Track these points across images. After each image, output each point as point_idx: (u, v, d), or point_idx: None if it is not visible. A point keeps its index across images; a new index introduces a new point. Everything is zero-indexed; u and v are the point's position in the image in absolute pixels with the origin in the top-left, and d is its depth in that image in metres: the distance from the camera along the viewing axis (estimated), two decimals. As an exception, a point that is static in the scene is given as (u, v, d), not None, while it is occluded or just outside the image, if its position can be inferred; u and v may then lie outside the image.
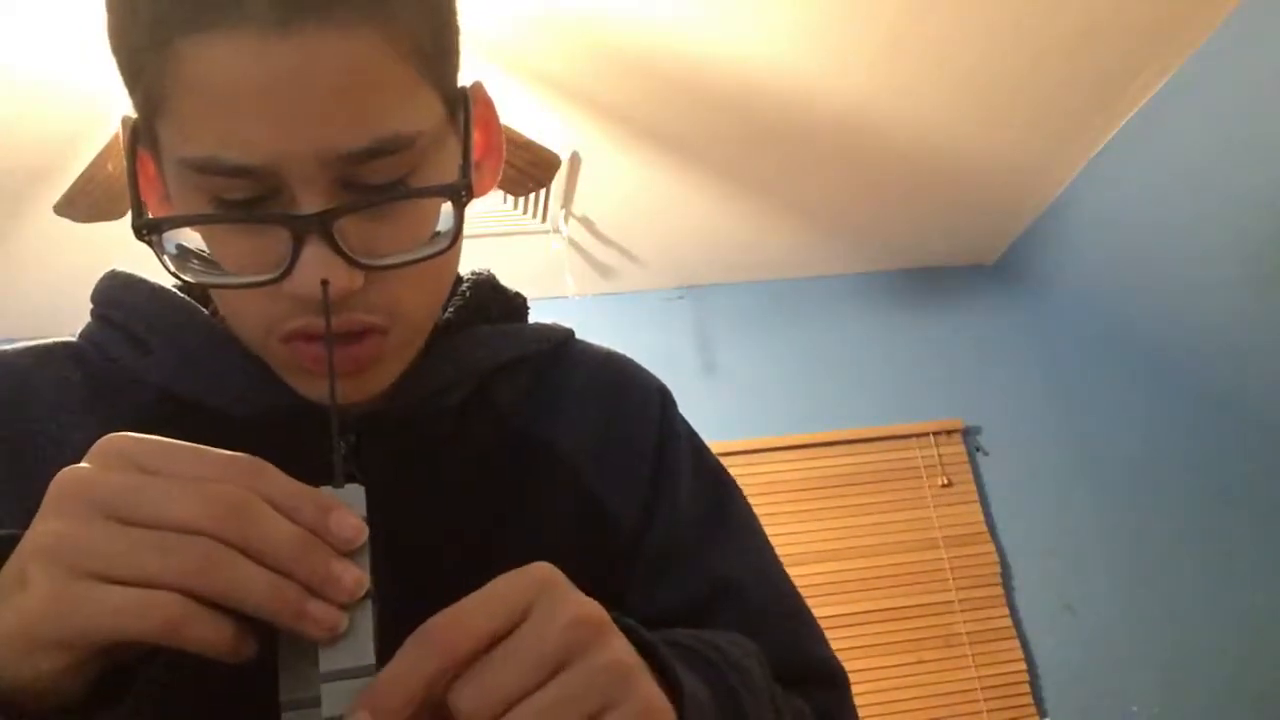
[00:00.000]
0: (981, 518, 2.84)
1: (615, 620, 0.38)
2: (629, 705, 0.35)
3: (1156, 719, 2.65)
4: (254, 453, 0.36)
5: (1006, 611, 2.75)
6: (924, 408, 2.96)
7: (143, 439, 0.36)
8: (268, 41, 0.39)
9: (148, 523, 0.33)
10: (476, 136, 0.50)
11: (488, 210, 2.53)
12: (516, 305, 0.63)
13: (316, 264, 0.42)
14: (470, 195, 0.45)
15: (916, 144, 2.47)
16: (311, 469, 0.38)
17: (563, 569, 0.38)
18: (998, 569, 2.79)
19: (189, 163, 0.42)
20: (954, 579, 2.75)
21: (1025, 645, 2.72)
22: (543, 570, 0.37)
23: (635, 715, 0.35)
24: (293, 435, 0.49)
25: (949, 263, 3.18)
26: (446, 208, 0.46)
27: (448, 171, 0.46)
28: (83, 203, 1.77)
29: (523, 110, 2.12)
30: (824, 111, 2.29)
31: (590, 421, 0.60)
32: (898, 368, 3.03)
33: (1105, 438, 2.97)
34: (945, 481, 2.86)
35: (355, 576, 0.35)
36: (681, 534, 0.59)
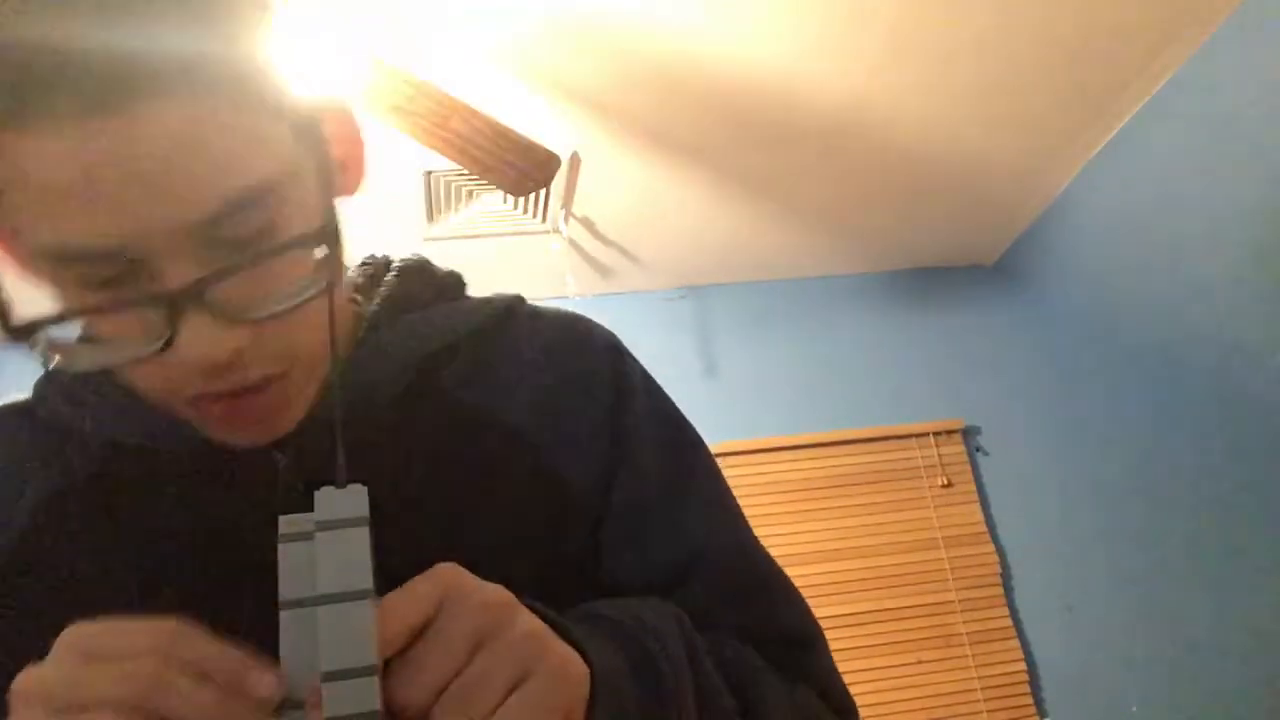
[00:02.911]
0: (981, 518, 2.84)
1: (523, 602, 0.41)
2: (545, 667, 0.39)
3: (1156, 719, 2.65)
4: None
5: (1006, 611, 2.74)
6: (924, 408, 2.96)
7: (85, 628, 0.39)
8: (87, 127, 0.39)
9: (87, 708, 0.36)
10: (336, 152, 0.49)
11: (488, 210, 2.53)
12: (450, 284, 0.63)
13: (196, 335, 0.42)
14: (337, 238, 0.44)
15: (917, 144, 2.47)
16: (255, 493, 0.43)
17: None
18: (998, 569, 2.79)
19: (42, 251, 0.42)
20: (954, 579, 2.75)
21: (1025, 645, 2.72)
22: (447, 569, 0.40)
23: (552, 675, 0.39)
24: (233, 462, 0.51)
25: (949, 263, 3.18)
26: (321, 246, 0.45)
27: (311, 202, 0.46)
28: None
29: (523, 110, 2.12)
30: (825, 112, 2.29)
31: (540, 389, 0.59)
32: (898, 368, 3.03)
33: (1105, 438, 2.97)
34: (945, 481, 2.86)
35: None
36: (649, 502, 0.59)
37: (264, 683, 0.36)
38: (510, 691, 0.38)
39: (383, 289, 0.60)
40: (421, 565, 0.40)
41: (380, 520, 0.42)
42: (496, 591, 0.40)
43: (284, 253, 0.44)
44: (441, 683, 0.37)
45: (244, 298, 0.43)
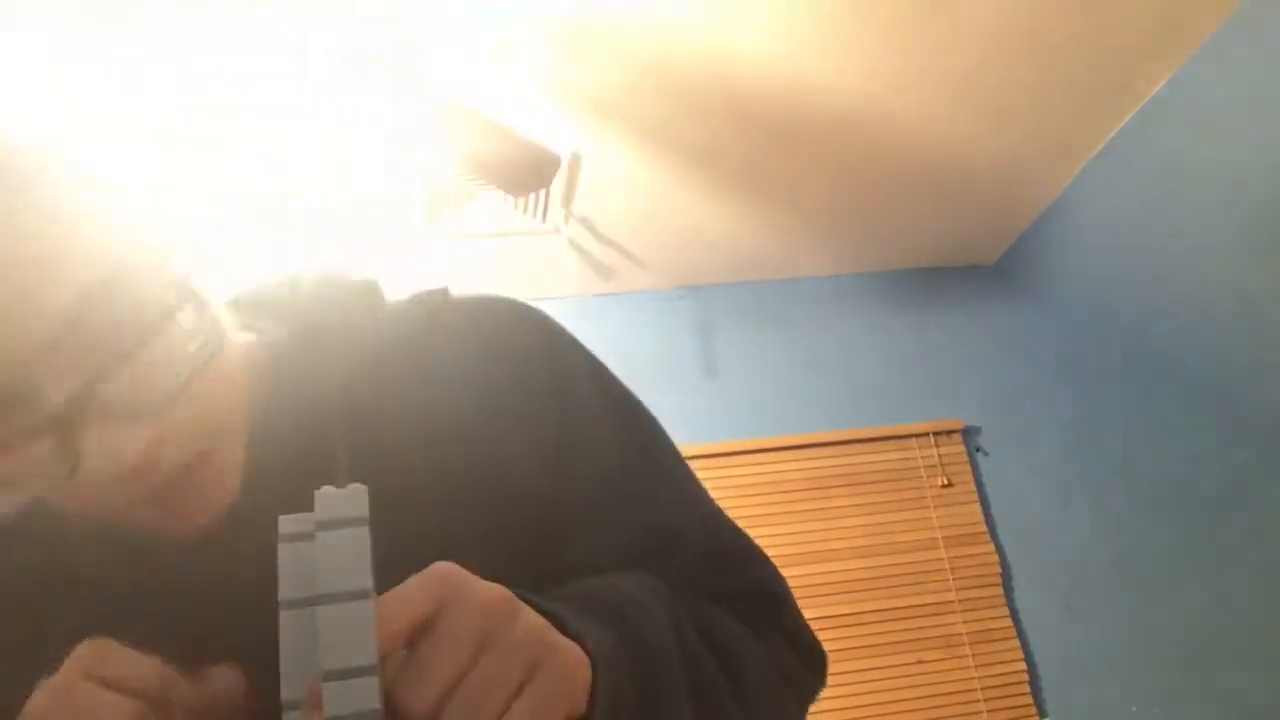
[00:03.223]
0: (981, 518, 2.84)
1: (519, 595, 0.41)
2: (550, 664, 0.40)
3: (1156, 719, 2.65)
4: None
5: (1006, 611, 2.75)
6: (924, 408, 2.96)
7: (58, 677, 0.39)
8: None
9: None
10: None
11: (488, 210, 2.53)
12: (368, 292, 0.61)
13: (100, 447, 0.41)
14: (200, 300, 0.43)
15: (917, 144, 2.47)
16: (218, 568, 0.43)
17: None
18: (998, 569, 2.79)
19: None
20: (954, 579, 2.75)
21: (1025, 645, 2.72)
22: (444, 567, 0.39)
23: (557, 671, 0.40)
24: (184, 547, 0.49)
25: (949, 263, 3.18)
26: (187, 313, 0.44)
27: (164, 271, 0.44)
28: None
29: (523, 110, 2.12)
30: (824, 112, 2.29)
31: (477, 383, 0.58)
32: (898, 368, 3.03)
33: (1105, 438, 2.97)
34: (945, 481, 2.86)
35: None
36: (609, 482, 0.59)
37: (186, 693, 0.37)
38: (518, 690, 0.38)
39: (297, 312, 0.57)
40: (395, 574, 0.40)
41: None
42: (495, 590, 0.40)
43: (154, 331, 0.42)
44: (449, 684, 0.37)
45: (134, 391, 0.41)
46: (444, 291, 0.62)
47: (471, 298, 0.63)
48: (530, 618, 0.41)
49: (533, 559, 0.54)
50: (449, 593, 0.39)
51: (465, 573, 0.40)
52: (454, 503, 0.53)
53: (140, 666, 0.38)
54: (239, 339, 0.52)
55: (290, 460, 0.50)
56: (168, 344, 0.43)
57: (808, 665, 0.62)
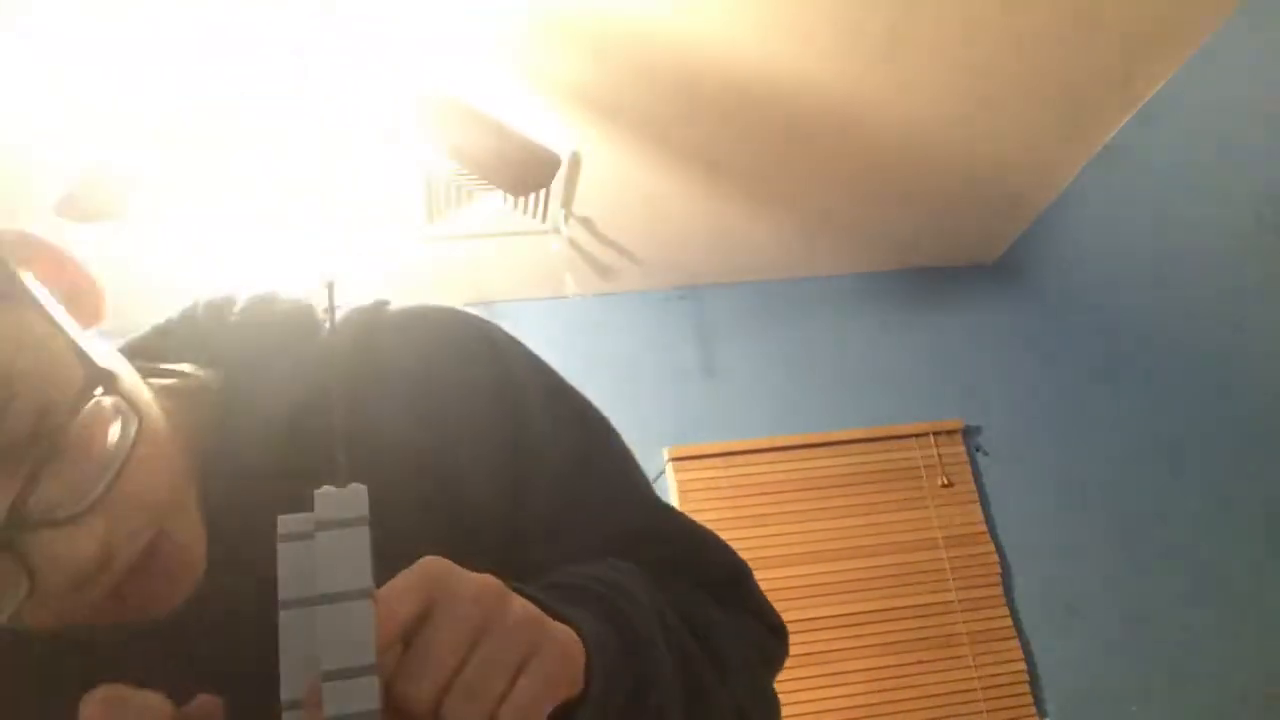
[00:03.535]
0: (981, 518, 2.84)
1: (509, 585, 0.42)
2: (548, 647, 0.40)
3: (1156, 719, 2.65)
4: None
5: (1006, 611, 2.75)
6: (924, 408, 2.96)
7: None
8: None
9: None
10: (60, 292, 0.45)
11: (488, 210, 2.53)
12: (300, 319, 0.57)
13: (51, 557, 0.39)
14: (108, 379, 0.41)
15: (917, 144, 2.47)
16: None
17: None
18: (998, 569, 2.79)
19: None
20: (954, 579, 2.75)
21: (1025, 645, 2.72)
22: (433, 562, 0.40)
23: (554, 655, 0.41)
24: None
25: (949, 263, 3.19)
26: (100, 395, 0.41)
27: (67, 356, 0.41)
28: (83, 202, 1.77)
29: (523, 110, 2.12)
30: (824, 111, 2.29)
31: (420, 399, 0.56)
32: (898, 368, 3.03)
33: (1106, 438, 2.97)
34: (945, 481, 2.86)
35: None
36: (567, 490, 0.59)
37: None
38: (516, 676, 0.39)
39: (229, 351, 0.55)
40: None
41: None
42: (485, 579, 0.40)
43: (70, 422, 0.40)
44: (448, 677, 0.37)
45: (70, 490, 0.39)
46: (380, 306, 0.60)
47: (409, 310, 0.61)
48: (522, 604, 0.41)
49: (495, 574, 0.54)
50: (439, 587, 0.39)
51: (453, 565, 0.40)
52: (406, 529, 0.52)
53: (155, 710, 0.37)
54: (158, 392, 0.48)
55: (248, 514, 0.48)
56: (90, 432, 0.41)
57: (773, 636, 0.65)
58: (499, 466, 0.57)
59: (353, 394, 0.54)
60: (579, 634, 0.44)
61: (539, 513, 0.58)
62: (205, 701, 0.39)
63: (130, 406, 0.42)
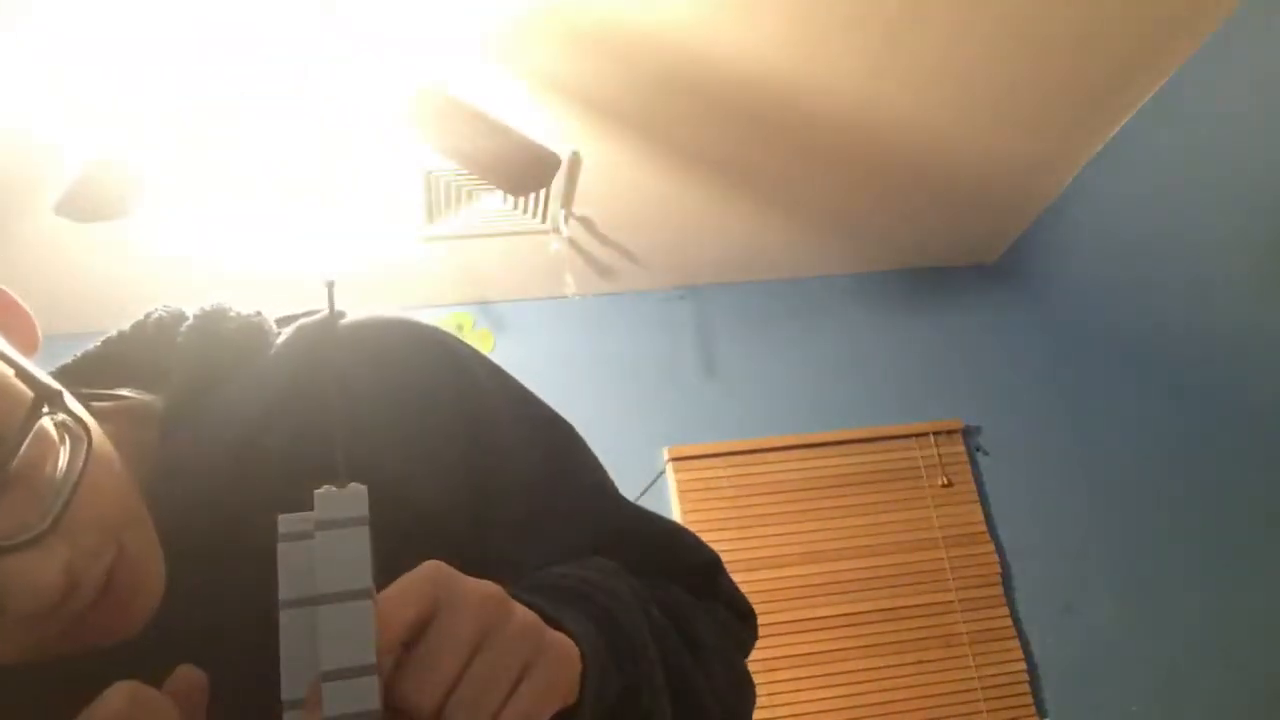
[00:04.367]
0: (981, 518, 2.84)
1: (508, 591, 0.42)
2: (546, 657, 0.41)
3: (1156, 719, 2.65)
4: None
5: (1006, 611, 2.75)
6: (924, 408, 2.96)
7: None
8: None
9: None
10: None
11: (488, 210, 2.53)
12: (247, 338, 0.56)
13: (17, 588, 0.38)
14: (55, 397, 0.40)
15: (917, 144, 2.47)
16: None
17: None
18: (998, 569, 2.79)
19: None
20: (954, 579, 2.75)
21: (1025, 645, 2.72)
22: (436, 566, 0.40)
23: (552, 663, 0.41)
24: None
25: (949, 263, 3.19)
26: (53, 416, 0.41)
27: (8, 382, 0.40)
28: (83, 202, 1.77)
29: (523, 110, 2.12)
30: (824, 111, 2.29)
31: (375, 416, 0.54)
32: (898, 368, 3.03)
33: (1105, 438, 2.97)
34: (945, 481, 2.86)
35: None
36: (536, 500, 0.59)
37: None
38: (517, 684, 0.39)
39: (174, 371, 0.53)
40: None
41: (239, 619, 0.40)
42: (488, 586, 0.41)
43: (20, 444, 0.39)
44: (450, 682, 0.38)
45: (25, 514, 0.39)
46: (332, 319, 0.58)
47: (362, 324, 0.59)
48: (523, 613, 0.41)
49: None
50: (442, 592, 0.39)
51: (455, 571, 0.40)
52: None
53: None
54: (97, 414, 0.47)
55: (194, 538, 0.47)
56: (41, 452, 0.40)
57: (744, 622, 0.68)
58: (457, 478, 0.56)
59: (302, 410, 0.53)
60: (574, 638, 0.44)
61: (514, 517, 0.58)
62: (185, 674, 0.39)
63: (79, 424, 0.41)
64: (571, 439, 0.65)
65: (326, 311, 0.58)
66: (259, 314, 0.58)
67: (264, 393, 0.53)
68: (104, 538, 0.42)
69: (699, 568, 0.66)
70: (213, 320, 0.56)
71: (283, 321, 0.60)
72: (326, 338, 0.57)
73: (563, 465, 0.62)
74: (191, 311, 0.57)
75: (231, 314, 0.57)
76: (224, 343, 0.55)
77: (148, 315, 0.58)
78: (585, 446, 0.66)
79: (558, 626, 0.44)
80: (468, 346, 0.63)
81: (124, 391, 0.54)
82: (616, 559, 0.58)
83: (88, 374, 0.56)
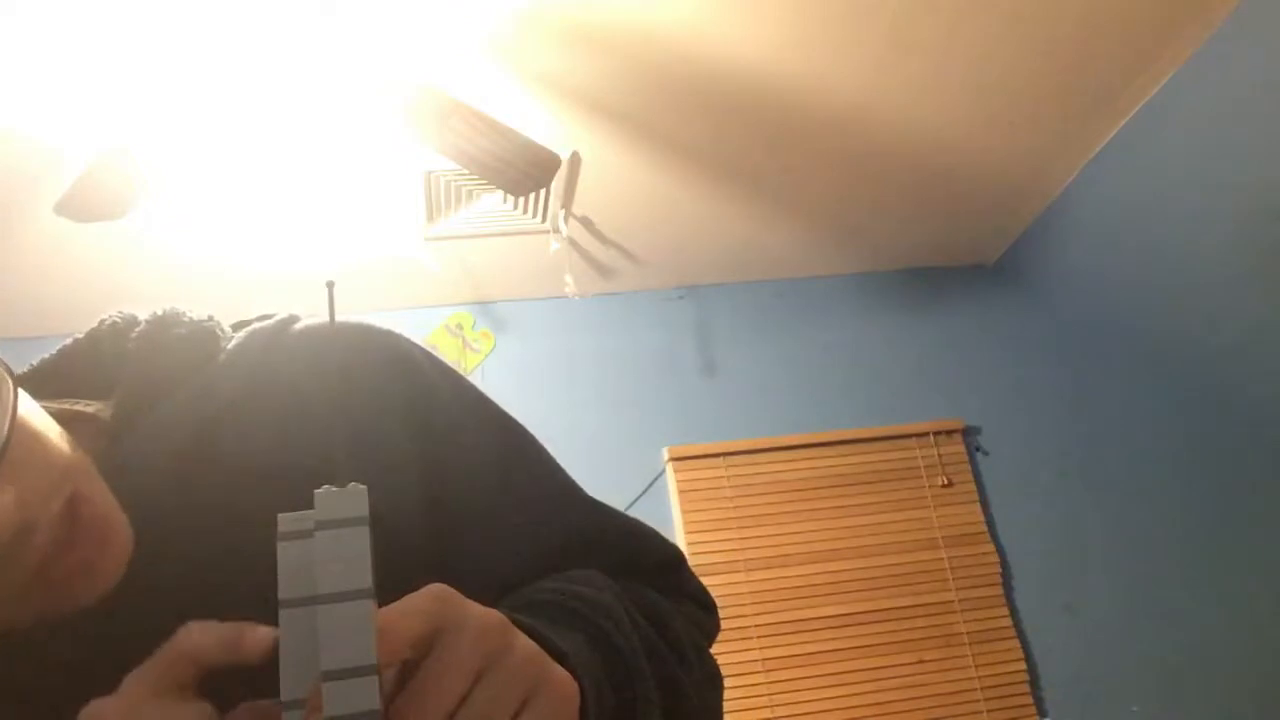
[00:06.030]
0: (981, 518, 2.84)
1: (508, 617, 0.42)
2: (546, 689, 0.41)
3: (1156, 719, 2.65)
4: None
5: (1006, 611, 2.74)
6: (924, 408, 2.96)
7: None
8: None
9: None
10: None
11: (488, 210, 2.53)
12: (200, 340, 0.56)
13: None
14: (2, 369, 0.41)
15: (917, 144, 2.47)
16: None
17: None
18: (998, 569, 2.79)
19: None
20: (954, 579, 2.75)
21: (1025, 645, 2.72)
22: (440, 589, 0.40)
23: (553, 696, 0.41)
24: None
25: (949, 263, 3.18)
26: None
27: None
28: (82, 202, 1.77)
29: (523, 110, 2.12)
30: (824, 112, 2.29)
31: (328, 420, 0.54)
32: (898, 368, 3.03)
33: (1105, 438, 2.97)
34: (945, 481, 2.86)
35: None
36: (494, 506, 0.59)
37: None
38: (517, 715, 0.39)
39: (124, 377, 0.53)
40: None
41: (188, 607, 0.41)
42: (491, 614, 0.41)
43: None
44: (450, 709, 0.38)
45: None
46: (285, 323, 0.58)
47: (314, 329, 0.59)
48: (525, 643, 0.41)
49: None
50: (447, 613, 0.39)
51: (459, 594, 0.40)
52: None
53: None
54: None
55: (145, 532, 0.47)
56: None
57: (709, 615, 0.69)
58: (412, 479, 0.56)
59: (251, 415, 0.53)
60: (573, 667, 0.44)
61: (473, 519, 0.58)
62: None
63: (5, 370, 0.41)
64: (527, 440, 0.65)
65: (278, 317, 0.59)
66: (211, 318, 0.58)
67: (212, 399, 0.53)
68: (53, 481, 0.42)
69: (665, 564, 0.67)
70: (163, 327, 0.55)
71: (238, 326, 0.60)
72: (278, 343, 0.57)
73: (521, 465, 0.62)
74: (144, 317, 0.56)
75: (184, 319, 0.56)
76: (172, 351, 0.55)
77: (101, 322, 0.58)
78: (541, 447, 0.66)
79: (557, 652, 0.44)
80: (422, 350, 0.62)
81: (66, 404, 0.54)
82: (585, 559, 0.59)
83: (38, 384, 0.55)
